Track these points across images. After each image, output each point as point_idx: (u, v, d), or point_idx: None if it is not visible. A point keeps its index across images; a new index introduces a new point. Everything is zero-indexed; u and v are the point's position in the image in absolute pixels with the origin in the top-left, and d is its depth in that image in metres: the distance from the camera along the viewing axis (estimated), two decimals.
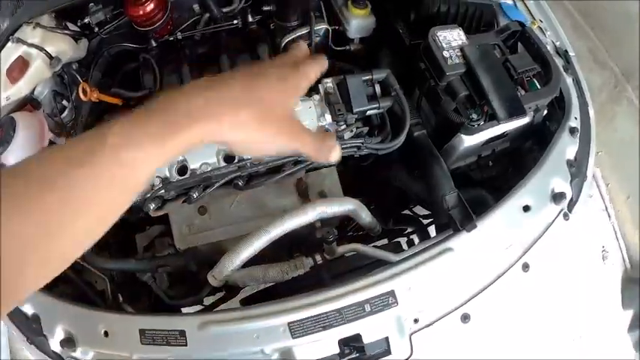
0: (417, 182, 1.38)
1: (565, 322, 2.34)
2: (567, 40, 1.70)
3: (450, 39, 1.30)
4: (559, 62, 1.55)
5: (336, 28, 1.65)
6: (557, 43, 1.65)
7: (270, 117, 0.69)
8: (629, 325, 2.56)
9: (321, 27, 1.62)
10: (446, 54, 1.27)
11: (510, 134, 1.47)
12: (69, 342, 1.18)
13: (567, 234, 1.35)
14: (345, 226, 1.61)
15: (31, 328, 1.25)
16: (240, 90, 0.68)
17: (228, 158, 1.31)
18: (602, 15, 2.76)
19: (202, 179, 1.29)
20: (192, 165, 1.30)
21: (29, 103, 1.57)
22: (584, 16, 2.83)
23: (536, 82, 1.39)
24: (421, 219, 1.75)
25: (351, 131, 1.33)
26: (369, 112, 1.34)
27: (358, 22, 1.60)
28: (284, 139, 0.72)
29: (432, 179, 1.31)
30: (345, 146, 1.30)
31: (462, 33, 1.32)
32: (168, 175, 1.30)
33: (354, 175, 1.52)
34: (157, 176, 1.30)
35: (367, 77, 1.33)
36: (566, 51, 1.62)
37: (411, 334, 1.12)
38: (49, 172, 0.56)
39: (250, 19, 1.71)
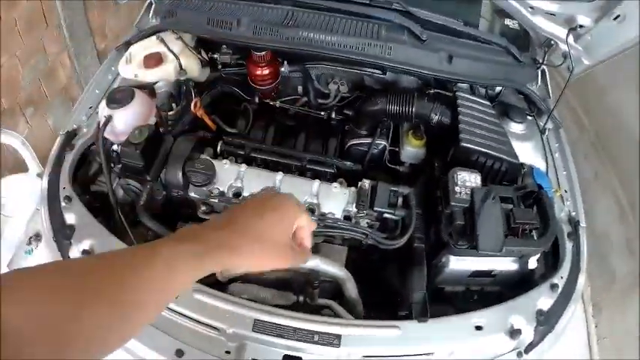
0: (400, 280, 1.70)
1: None
2: (583, 213, 1.92)
3: (466, 179, 1.63)
4: (566, 228, 1.82)
5: (395, 149, 2.06)
6: (573, 214, 1.90)
7: (274, 249, 0.89)
8: None
9: (381, 143, 2.05)
10: (457, 189, 1.60)
11: (500, 277, 1.73)
12: (89, 254, 1.52)
13: None
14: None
15: (63, 231, 1.59)
16: (254, 226, 0.87)
17: None
18: None
19: None
20: (245, 194, 1.71)
21: (149, 89, 1.96)
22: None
23: (534, 235, 1.64)
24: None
25: (366, 222, 1.69)
26: (385, 215, 1.70)
27: (412, 150, 2.01)
28: (276, 263, 0.90)
29: (410, 278, 1.62)
30: (357, 230, 1.64)
31: (478, 178, 1.64)
32: (225, 191, 1.70)
33: (360, 264, 1.81)
34: (216, 187, 1.70)
35: (394, 189, 1.71)
36: (577, 221, 1.86)
37: None
38: (119, 273, 0.68)
39: (334, 115, 2.18)
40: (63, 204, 1.65)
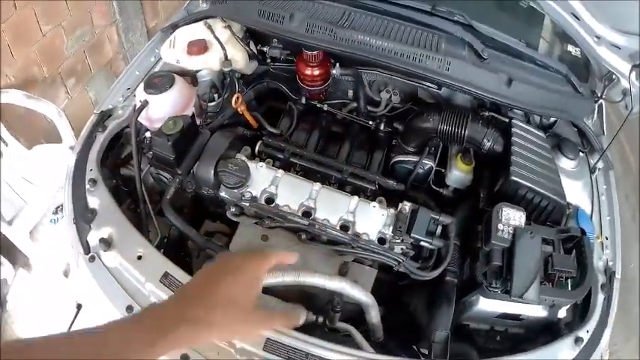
0: (425, 313, 1.61)
1: None
2: (621, 264, 1.81)
3: (511, 217, 1.53)
4: (601, 278, 1.71)
5: (441, 170, 1.96)
6: (611, 263, 1.79)
7: (235, 313, 0.82)
8: None
9: (428, 163, 1.94)
10: (500, 226, 1.50)
11: (526, 322, 1.65)
12: (106, 243, 1.47)
13: None
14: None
15: (84, 214, 1.54)
16: (210, 294, 0.80)
17: (306, 214, 1.62)
18: None
19: (278, 215, 1.59)
20: (279, 201, 1.63)
21: (191, 76, 1.89)
22: None
23: (569, 284, 1.55)
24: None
25: (401, 248, 1.61)
26: (422, 243, 1.61)
27: (458, 175, 1.90)
28: (242, 329, 0.86)
29: (436, 314, 1.54)
30: (389, 256, 1.55)
31: (523, 217, 1.54)
32: (257, 196, 1.63)
33: (387, 284, 1.74)
34: (249, 191, 1.63)
35: (435, 217, 1.61)
36: (614, 272, 1.76)
37: None
38: None
39: (382, 127, 2.07)
40: (87, 186, 1.60)
